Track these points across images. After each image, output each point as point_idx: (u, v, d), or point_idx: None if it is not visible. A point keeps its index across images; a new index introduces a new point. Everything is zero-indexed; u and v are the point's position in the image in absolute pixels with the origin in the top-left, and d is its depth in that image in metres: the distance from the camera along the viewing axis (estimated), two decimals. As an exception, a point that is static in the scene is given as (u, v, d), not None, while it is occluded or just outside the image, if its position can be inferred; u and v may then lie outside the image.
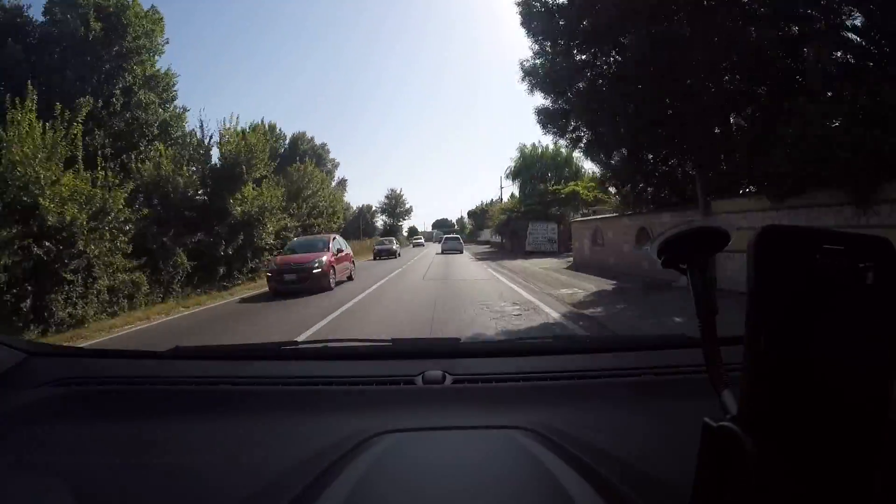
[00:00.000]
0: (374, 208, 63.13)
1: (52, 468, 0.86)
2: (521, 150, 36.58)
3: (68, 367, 1.45)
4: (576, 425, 0.99)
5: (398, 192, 67.18)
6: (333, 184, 44.02)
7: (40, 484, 0.81)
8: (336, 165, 50.21)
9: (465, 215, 78.72)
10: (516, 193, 36.82)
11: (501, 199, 42.36)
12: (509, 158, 38.47)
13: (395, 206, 64.96)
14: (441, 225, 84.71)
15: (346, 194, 48.18)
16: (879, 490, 0.45)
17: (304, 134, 46.83)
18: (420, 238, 58.01)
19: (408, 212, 67.04)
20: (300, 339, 5.00)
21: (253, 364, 1.52)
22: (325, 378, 1.31)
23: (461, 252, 30.72)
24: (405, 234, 70.65)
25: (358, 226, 52.12)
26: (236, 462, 0.88)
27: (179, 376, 1.36)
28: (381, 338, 1.52)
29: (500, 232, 35.49)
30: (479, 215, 61.61)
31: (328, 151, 48.89)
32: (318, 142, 48.02)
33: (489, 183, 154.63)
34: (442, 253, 30.04)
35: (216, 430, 1.11)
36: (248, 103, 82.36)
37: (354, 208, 56.10)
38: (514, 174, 36.81)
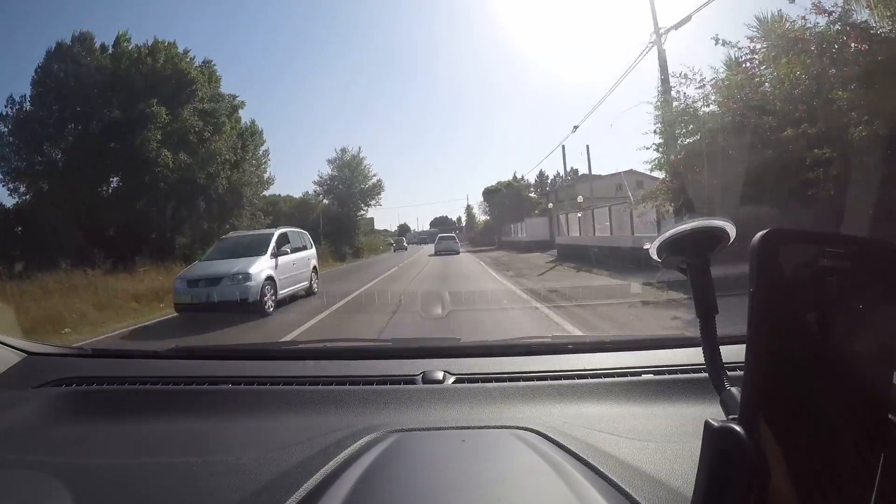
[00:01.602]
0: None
1: (52, 468, 0.86)
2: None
3: (68, 367, 1.45)
4: (576, 425, 0.99)
5: (356, 152, 37.08)
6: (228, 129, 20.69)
7: (40, 484, 0.81)
8: (238, 105, 23.42)
9: (481, 198, 46.58)
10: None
11: (662, 91, 11.03)
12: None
13: (349, 180, 36.47)
14: (440, 223, 69.13)
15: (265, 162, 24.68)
16: (881, 490, 0.45)
17: (164, 43, 20.79)
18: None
19: (374, 190, 37.83)
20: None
21: (253, 364, 1.53)
22: (325, 378, 1.31)
23: (458, 253, 27.66)
24: (396, 231, 49.94)
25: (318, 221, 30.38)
26: (236, 462, 0.88)
27: (179, 376, 1.36)
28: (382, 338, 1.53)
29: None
30: (515, 195, 37.50)
31: (218, 77, 22.58)
32: (200, 59, 22.05)
33: (500, 166, 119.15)
34: (436, 254, 27.29)
35: (216, 429, 1.11)
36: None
37: (326, 201, 35.55)
38: None
